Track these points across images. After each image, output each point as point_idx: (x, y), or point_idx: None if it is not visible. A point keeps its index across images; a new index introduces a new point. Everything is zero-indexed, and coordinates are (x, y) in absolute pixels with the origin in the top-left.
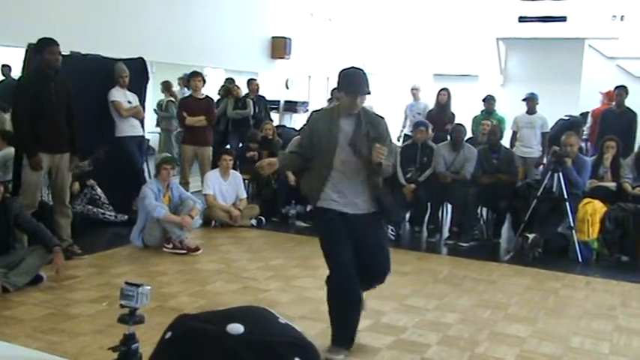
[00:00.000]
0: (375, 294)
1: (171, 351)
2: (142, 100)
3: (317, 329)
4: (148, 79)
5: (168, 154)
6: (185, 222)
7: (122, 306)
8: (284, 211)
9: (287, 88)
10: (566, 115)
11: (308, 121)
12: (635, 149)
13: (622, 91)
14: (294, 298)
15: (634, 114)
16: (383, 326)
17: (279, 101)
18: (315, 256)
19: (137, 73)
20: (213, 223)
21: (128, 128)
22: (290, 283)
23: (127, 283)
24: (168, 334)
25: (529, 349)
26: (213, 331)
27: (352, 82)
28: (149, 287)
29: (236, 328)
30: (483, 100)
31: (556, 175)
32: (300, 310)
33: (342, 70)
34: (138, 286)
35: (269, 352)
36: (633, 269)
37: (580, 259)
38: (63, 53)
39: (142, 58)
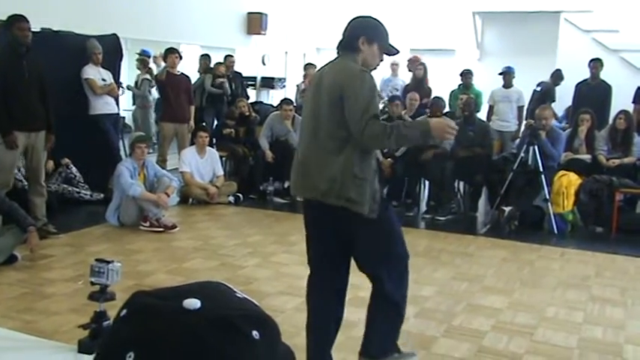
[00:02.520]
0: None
1: (127, 329)
2: (117, 77)
3: (294, 304)
4: (121, 56)
5: (142, 133)
6: (161, 200)
7: (92, 283)
8: (262, 187)
9: (263, 64)
10: (537, 85)
11: (368, 80)
12: (610, 121)
13: (597, 63)
14: (272, 274)
15: (608, 86)
16: (360, 300)
17: (255, 77)
18: (293, 232)
19: (110, 49)
20: (190, 200)
21: (103, 106)
22: (268, 259)
23: (97, 260)
24: (124, 312)
25: (505, 319)
26: (169, 308)
27: (387, 35)
28: (119, 264)
29: (193, 303)
30: (461, 75)
31: (531, 148)
32: (278, 286)
33: (370, 18)
34: (108, 262)
35: (227, 327)
36: (607, 240)
37: (555, 231)
38: (34, 30)
39: (115, 35)
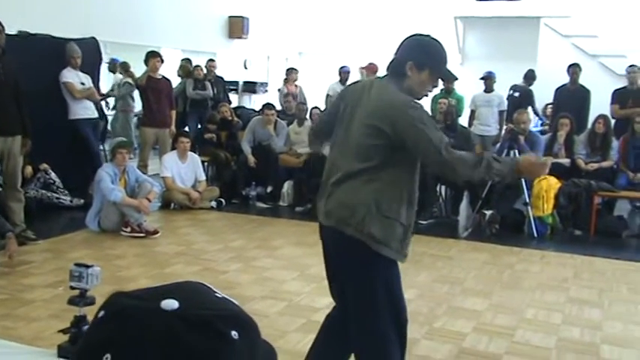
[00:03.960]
0: None
1: (105, 330)
2: (96, 81)
3: (277, 308)
4: (101, 59)
5: (124, 139)
6: (142, 205)
7: (72, 288)
8: (244, 192)
9: (245, 68)
10: (512, 90)
11: (420, 110)
12: (589, 126)
13: (576, 68)
14: (255, 279)
15: (587, 91)
16: None
17: (237, 82)
18: (276, 236)
19: (89, 53)
20: (172, 205)
21: (82, 111)
22: (250, 264)
23: (76, 264)
24: (101, 313)
25: (485, 321)
26: (146, 308)
27: (445, 60)
28: (99, 268)
29: (170, 303)
30: (442, 80)
31: (512, 152)
32: (261, 291)
33: (426, 38)
34: (87, 267)
35: (205, 327)
36: (585, 242)
37: (535, 234)
38: (9, 32)
39: (94, 38)
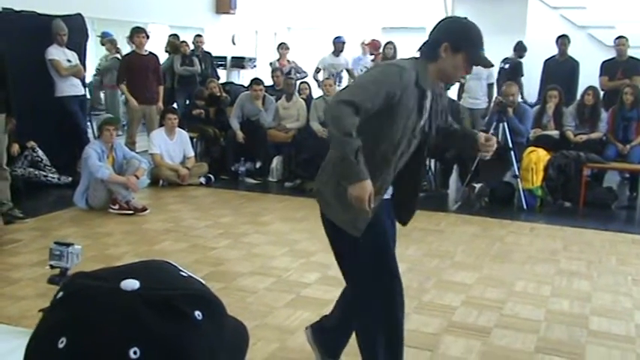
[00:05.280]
0: (325, 247)
1: (63, 311)
2: (83, 58)
3: (266, 284)
4: (87, 36)
5: (111, 115)
6: (130, 182)
7: (52, 267)
8: (233, 168)
9: (233, 43)
10: (503, 62)
11: (383, 71)
12: (577, 97)
13: (565, 40)
14: (244, 255)
15: (576, 62)
16: (331, 279)
17: (225, 57)
18: (265, 212)
19: (76, 30)
20: (160, 182)
21: (69, 88)
22: (239, 240)
23: (55, 242)
24: (59, 295)
25: (474, 295)
26: (106, 289)
27: (482, 45)
28: (79, 246)
29: (131, 283)
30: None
31: (501, 125)
32: (250, 266)
33: (463, 20)
34: (67, 245)
35: (166, 307)
36: (575, 214)
37: (525, 207)
38: None
39: (80, 15)
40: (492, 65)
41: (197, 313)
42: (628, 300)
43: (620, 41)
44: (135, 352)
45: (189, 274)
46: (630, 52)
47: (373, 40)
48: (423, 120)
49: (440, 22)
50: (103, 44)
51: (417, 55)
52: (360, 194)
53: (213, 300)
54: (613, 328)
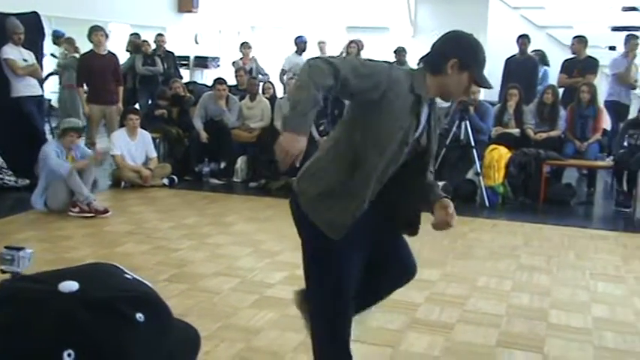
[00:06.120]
0: (290, 247)
1: None
2: (40, 58)
3: (231, 284)
4: (44, 35)
5: (79, 122)
6: (97, 154)
7: (3, 271)
8: (197, 169)
9: (196, 43)
10: None
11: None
12: (537, 96)
13: (525, 39)
14: (208, 256)
15: (536, 62)
16: (297, 278)
17: (188, 57)
18: (229, 213)
19: (31, 28)
20: (122, 184)
21: (25, 88)
22: (203, 241)
23: (6, 247)
24: None
25: (438, 291)
26: (42, 291)
27: (484, 64)
28: (31, 250)
29: (69, 285)
30: (395, 52)
31: (463, 123)
32: (214, 267)
33: (471, 37)
34: (18, 249)
35: (106, 309)
36: (535, 211)
37: (487, 204)
38: None
39: (35, 13)
40: (492, 87)
41: (139, 315)
42: (585, 293)
43: (575, 41)
44: (69, 355)
45: (136, 277)
46: (588, 52)
47: (353, 41)
48: (419, 129)
49: (448, 35)
50: (55, 43)
51: (421, 67)
52: (290, 145)
53: (157, 303)
54: (571, 321)
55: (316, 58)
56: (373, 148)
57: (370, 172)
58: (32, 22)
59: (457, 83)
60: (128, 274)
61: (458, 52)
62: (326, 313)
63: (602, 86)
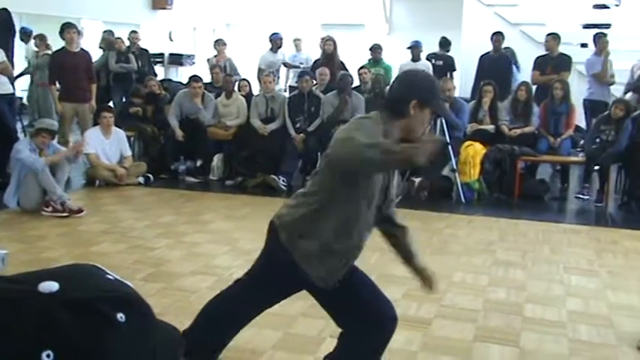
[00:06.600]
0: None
1: None
2: (10, 55)
3: (208, 283)
4: (14, 32)
5: (55, 124)
6: (75, 145)
7: None
8: (173, 167)
9: (171, 40)
10: (432, 59)
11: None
12: (512, 93)
13: (499, 37)
14: (185, 254)
15: (510, 59)
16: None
17: (163, 54)
18: (206, 211)
19: (1, 26)
20: (97, 182)
21: None
22: (180, 240)
23: None
24: None
25: (414, 287)
26: (21, 292)
27: (439, 90)
28: (5, 251)
29: (49, 286)
30: (370, 49)
31: (438, 120)
32: (191, 266)
33: (424, 73)
34: None
35: (86, 310)
36: (510, 206)
37: (463, 200)
38: None
39: (5, 9)
40: (448, 114)
41: (120, 315)
42: (560, 287)
43: (548, 38)
44: (48, 355)
45: (117, 277)
46: (561, 49)
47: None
48: (387, 179)
49: (402, 79)
50: (22, 40)
51: (383, 114)
52: (425, 150)
53: (139, 303)
54: (546, 315)
55: (356, 146)
56: (364, 199)
57: (361, 226)
58: (2, 19)
59: (421, 122)
60: (109, 275)
61: (415, 92)
62: (235, 304)
63: (575, 83)
